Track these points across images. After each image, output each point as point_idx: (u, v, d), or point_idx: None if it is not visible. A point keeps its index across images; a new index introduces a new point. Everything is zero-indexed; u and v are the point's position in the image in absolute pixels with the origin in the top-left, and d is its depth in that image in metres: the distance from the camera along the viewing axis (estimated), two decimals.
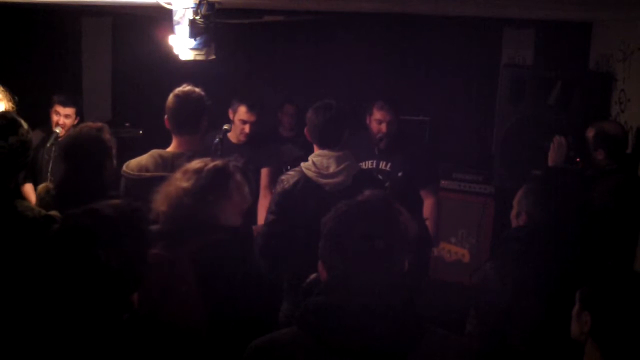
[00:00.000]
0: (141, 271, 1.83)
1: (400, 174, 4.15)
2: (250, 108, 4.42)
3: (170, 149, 3.27)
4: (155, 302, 2.18)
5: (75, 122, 4.74)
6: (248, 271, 2.38)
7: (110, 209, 1.80)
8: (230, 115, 4.49)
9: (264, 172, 4.45)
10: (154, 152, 3.22)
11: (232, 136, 4.44)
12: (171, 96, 3.29)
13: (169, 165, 3.14)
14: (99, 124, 3.03)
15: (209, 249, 2.31)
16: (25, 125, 2.48)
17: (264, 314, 2.39)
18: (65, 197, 2.76)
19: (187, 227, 2.32)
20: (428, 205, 4.30)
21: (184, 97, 3.27)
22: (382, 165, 4.22)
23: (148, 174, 3.09)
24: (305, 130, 3.32)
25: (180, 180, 2.40)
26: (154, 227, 2.33)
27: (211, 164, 2.44)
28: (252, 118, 4.44)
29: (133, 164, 3.17)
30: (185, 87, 3.31)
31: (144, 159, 3.19)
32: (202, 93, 3.33)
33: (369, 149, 4.25)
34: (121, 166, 3.19)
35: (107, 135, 2.97)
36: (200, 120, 3.30)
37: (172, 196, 2.37)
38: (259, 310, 2.36)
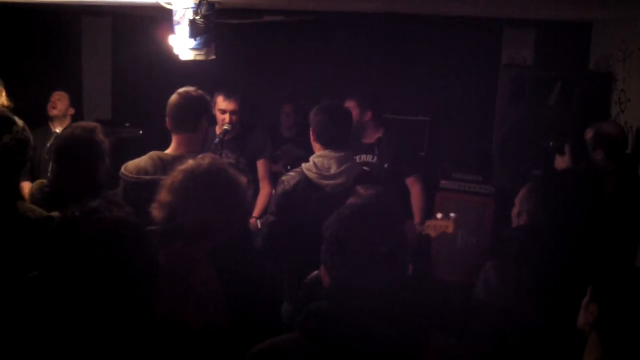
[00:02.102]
0: (151, 275, 1.81)
1: (386, 165, 4.38)
2: (226, 96, 4.36)
3: (169, 150, 3.23)
4: (174, 304, 2.13)
5: (71, 112, 4.93)
6: (260, 270, 2.36)
7: (114, 210, 1.78)
8: (214, 112, 4.39)
9: (260, 163, 4.45)
10: (153, 153, 3.17)
11: (218, 131, 4.36)
12: (173, 95, 3.28)
13: (169, 167, 3.06)
14: (92, 124, 3.00)
15: (229, 247, 2.28)
16: (20, 122, 2.43)
17: (276, 314, 2.38)
18: (57, 197, 2.72)
19: (199, 226, 2.26)
20: (416, 192, 4.48)
21: (184, 94, 3.26)
22: (369, 158, 4.41)
23: (147, 177, 3.03)
24: (311, 130, 3.31)
25: (184, 180, 2.34)
26: (158, 228, 2.30)
27: (210, 163, 2.39)
28: (230, 106, 4.35)
29: (131, 166, 3.11)
30: (189, 87, 3.31)
31: (142, 161, 3.13)
32: (204, 94, 3.33)
33: (359, 143, 4.43)
34: (115, 166, 3.17)
35: (99, 136, 2.92)
36: (200, 120, 3.26)
37: (178, 197, 2.30)
38: (273, 310, 2.34)
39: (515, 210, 2.71)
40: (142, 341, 1.70)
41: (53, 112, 4.84)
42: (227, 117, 4.34)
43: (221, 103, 4.37)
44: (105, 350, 1.64)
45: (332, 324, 1.61)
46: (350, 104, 4.19)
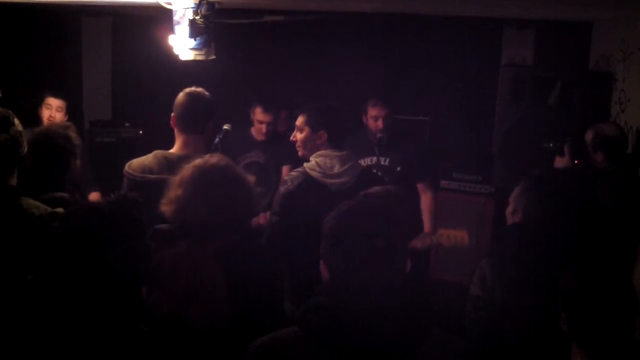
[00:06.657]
0: (144, 265, 1.82)
1: (398, 168, 4.28)
2: (265, 109, 4.70)
3: (174, 150, 3.17)
4: (178, 303, 2.14)
5: (65, 119, 4.72)
6: (271, 272, 2.37)
7: (110, 205, 1.80)
8: (251, 115, 4.75)
9: (285, 168, 4.60)
10: (158, 153, 3.11)
11: (254, 133, 4.75)
12: (182, 94, 3.20)
13: (175, 167, 3.03)
14: (67, 123, 3.02)
15: (235, 247, 2.29)
16: (18, 125, 2.46)
17: (280, 315, 2.38)
18: (25, 189, 2.67)
19: (206, 222, 2.28)
20: (426, 199, 4.42)
21: (196, 96, 3.20)
22: (381, 161, 4.29)
23: (152, 176, 2.98)
24: (320, 132, 3.29)
25: (192, 175, 2.36)
26: (165, 226, 2.34)
27: (218, 160, 2.42)
28: (267, 118, 4.71)
29: (135, 165, 3.06)
30: (197, 88, 3.25)
31: (147, 160, 3.08)
32: (211, 97, 3.28)
33: (368, 146, 4.32)
34: (117, 166, 3.14)
35: (73, 134, 2.93)
36: (208, 122, 3.23)
37: (187, 192, 2.33)
38: (277, 311, 2.35)
39: (510, 209, 2.72)
40: (144, 338, 1.71)
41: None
42: (263, 127, 4.70)
43: (259, 114, 4.71)
44: (104, 348, 1.64)
45: (331, 319, 1.62)
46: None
